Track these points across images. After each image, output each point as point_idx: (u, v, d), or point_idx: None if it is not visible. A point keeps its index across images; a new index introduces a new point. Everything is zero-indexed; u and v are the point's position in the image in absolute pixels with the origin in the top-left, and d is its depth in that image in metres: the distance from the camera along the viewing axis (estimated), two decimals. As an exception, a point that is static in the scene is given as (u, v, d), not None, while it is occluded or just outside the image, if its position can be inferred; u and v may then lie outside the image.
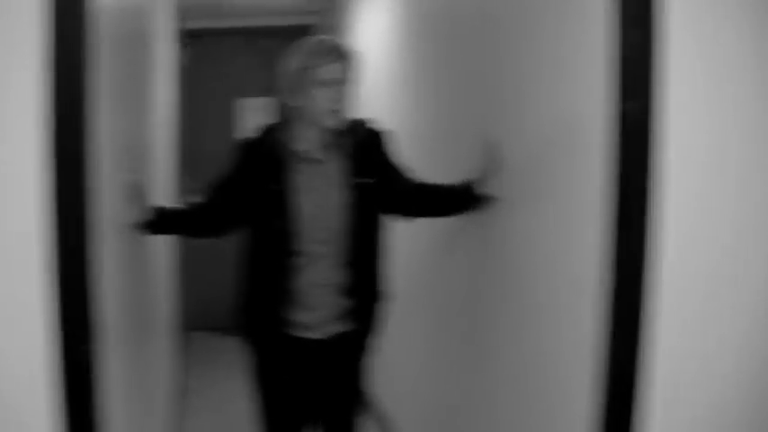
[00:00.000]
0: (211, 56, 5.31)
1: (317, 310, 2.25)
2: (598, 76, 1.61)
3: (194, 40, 5.05)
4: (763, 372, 1.55)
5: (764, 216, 1.53)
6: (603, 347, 1.59)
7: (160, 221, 2.23)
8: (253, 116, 5.03)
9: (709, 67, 1.50)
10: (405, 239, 3.01)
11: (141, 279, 2.43)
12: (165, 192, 3.38)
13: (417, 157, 2.66)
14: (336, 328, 2.29)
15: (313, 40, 2.22)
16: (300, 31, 3.72)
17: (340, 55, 2.15)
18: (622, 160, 1.53)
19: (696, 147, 1.51)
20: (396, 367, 3.43)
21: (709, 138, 1.51)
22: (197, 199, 2.32)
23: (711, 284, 1.54)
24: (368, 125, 2.33)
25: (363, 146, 2.28)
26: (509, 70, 2.10)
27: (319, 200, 2.21)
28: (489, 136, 2.21)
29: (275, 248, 2.21)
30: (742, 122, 1.50)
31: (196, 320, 5.13)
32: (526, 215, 2.01)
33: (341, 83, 2.15)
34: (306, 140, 2.22)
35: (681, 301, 1.53)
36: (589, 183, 1.66)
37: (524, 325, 2.01)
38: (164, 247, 3.34)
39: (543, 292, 1.91)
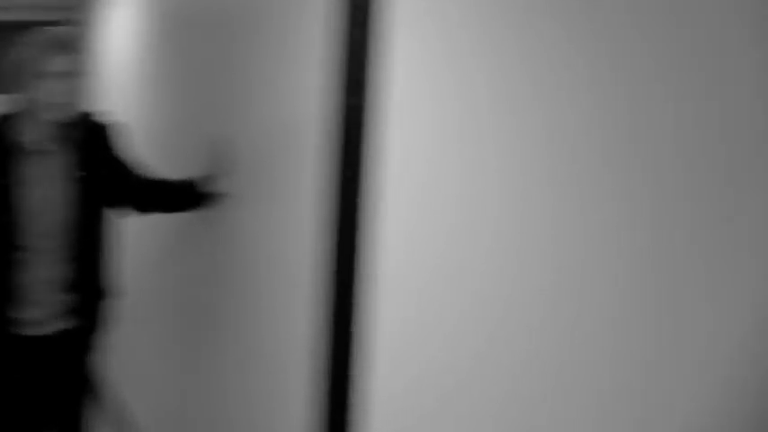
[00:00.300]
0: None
1: (41, 306, 2.21)
2: (316, 75, 1.62)
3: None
4: (478, 375, 1.50)
5: (485, 216, 1.45)
6: (319, 349, 1.61)
7: None
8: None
9: (435, 64, 1.43)
10: (141, 234, 2.96)
11: None
12: None
13: (156, 154, 2.63)
14: (61, 324, 2.25)
15: (42, 31, 2.15)
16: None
17: (68, 47, 2.11)
18: (342, 158, 1.52)
19: (418, 143, 1.46)
20: (136, 364, 3.36)
21: (432, 135, 1.44)
22: None
23: (430, 282, 1.51)
24: (97, 118, 2.30)
25: (91, 139, 2.25)
26: (239, 69, 2.13)
27: (44, 193, 2.16)
28: (218, 134, 2.23)
29: None
30: (469, 120, 1.42)
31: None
32: (251, 214, 2.04)
33: (69, 75, 2.10)
34: (33, 133, 2.16)
35: (398, 302, 1.53)
36: (305, 184, 1.69)
37: (248, 325, 2.04)
38: None
39: (264, 293, 1.94)
